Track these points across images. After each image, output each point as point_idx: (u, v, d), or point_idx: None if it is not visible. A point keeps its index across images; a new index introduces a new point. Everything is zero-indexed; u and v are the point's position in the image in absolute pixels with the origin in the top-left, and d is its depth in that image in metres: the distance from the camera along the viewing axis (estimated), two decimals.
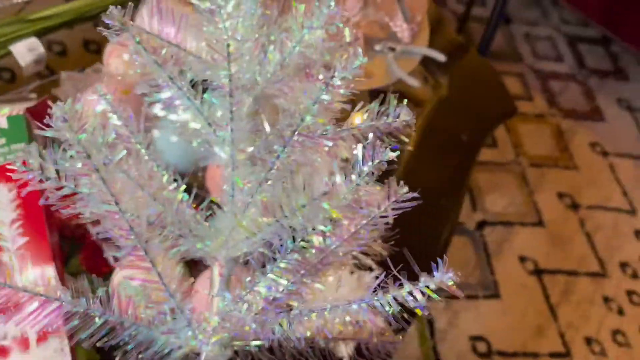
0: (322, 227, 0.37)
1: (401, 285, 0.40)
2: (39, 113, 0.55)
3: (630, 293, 1.47)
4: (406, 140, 0.38)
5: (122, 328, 0.41)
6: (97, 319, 0.40)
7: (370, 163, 0.36)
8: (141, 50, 0.38)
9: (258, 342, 0.45)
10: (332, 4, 0.36)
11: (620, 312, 1.43)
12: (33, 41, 0.66)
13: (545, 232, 1.53)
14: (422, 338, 1.27)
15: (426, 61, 0.86)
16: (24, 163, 0.37)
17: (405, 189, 0.38)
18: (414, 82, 0.81)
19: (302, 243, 0.37)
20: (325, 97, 0.35)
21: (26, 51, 0.65)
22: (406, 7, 0.86)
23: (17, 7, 0.74)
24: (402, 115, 0.37)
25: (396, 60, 0.82)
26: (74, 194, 0.38)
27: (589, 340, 1.36)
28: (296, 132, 0.36)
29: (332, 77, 0.35)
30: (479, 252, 1.45)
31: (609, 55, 2.05)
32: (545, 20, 2.09)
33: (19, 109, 0.53)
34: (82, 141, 0.36)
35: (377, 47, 0.83)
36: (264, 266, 0.40)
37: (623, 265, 1.52)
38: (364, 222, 0.40)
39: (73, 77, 0.58)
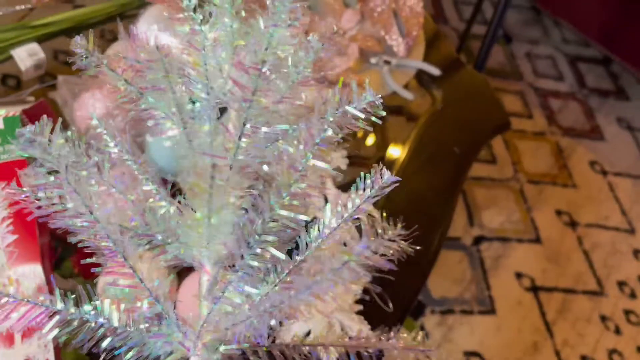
0: (283, 212, 0.37)
1: None
2: (34, 115, 0.56)
3: (627, 312, 1.46)
4: (379, 122, 0.37)
5: (113, 333, 0.41)
6: (91, 325, 0.40)
7: (310, 142, 0.36)
8: (108, 72, 0.40)
9: (245, 345, 0.45)
10: None
11: (618, 331, 1.42)
12: (33, 46, 0.68)
13: (542, 249, 1.53)
14: None
15: (421, 75, 0.87)
16: (18, 184, 0.38)
17: (388, 173, 0.38)
18: (408, 95, 0.82)
19: (270, 237, 0.37)
20: (260, 83, 0.35)
21: (26, 56, 0.67)
22: (402, 22, 0.87)
23: (21, 14, 0.76)
24: (368, 96, 0.36)
25: (391, 73, 0.84)
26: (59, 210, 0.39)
27: (584, 359, 1.36)
28: (245, 124, 0.36)
29: (262, 63, 0.35)
30: (475, 268, 1.44)
31: (609, 75, 2.06)
32: (546, 39, 2.11)
33: (15, 110, 0.55)
34: (51, 159, 0.37)
35: (373, 60, 0.85)
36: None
37: (621, 284, 1.51)
38: (346, 214, 0.39)
39: (70, 81, 0.60)
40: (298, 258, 0.38)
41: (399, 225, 0.43)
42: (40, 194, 0.37)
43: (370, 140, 0.81)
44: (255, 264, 0.37)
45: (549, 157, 1.75)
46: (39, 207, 0.38)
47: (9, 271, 0.46)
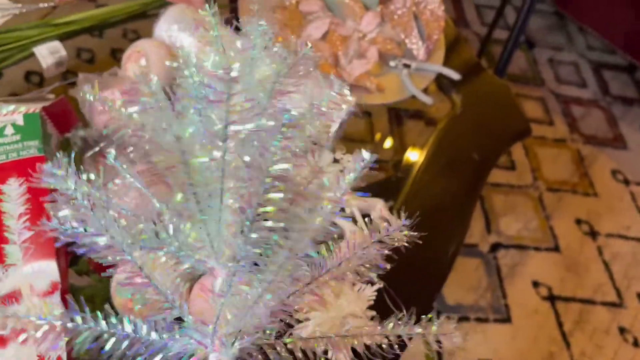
0: (271, 195, 0.38)
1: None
2: (54, 112, 0.57)
3: None
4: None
5: (137, 342, 0.42)
6: (105, 336, 0.40)
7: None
8: (114, 110, 0.42)
9: (260, 340, 0.45)
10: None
11: (636, 344, 1.39)
12: (55, 44, 0.68)
13: (560, 258, 1.51)
14: (429, 359, 1.25)
15: (440, 79, 0.86)
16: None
17: (402, 219, 0.40)
18: (427, 99, 0.81)
19: (265, 223, 0.38)
20: (233, 87, 0.37)
21: (48, 53, 0.68)
22: (422, 25, 0.87)
23: (44, 12, 0.77)
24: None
25: (410, 76, 0.83)
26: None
27: None
28: (226, 127, 0.37)
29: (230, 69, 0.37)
30: (491, 275, 1.43)
31: (634, 83, 2.02)
32: (570, 45, 2.08)
33: (35, 107, 0.55)
34: (70, 188, 0.39)
35: (392, 63, 0.84)
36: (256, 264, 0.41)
37: None
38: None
39: (90, 79, 0.60)
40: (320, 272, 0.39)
41: (403, 215, 0.45)
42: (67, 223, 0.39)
43: (388, 143, 0.81)
44: (251, 249, 0.38)
45: (570, 165, 1.73)
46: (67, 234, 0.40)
47: (24, 267, 0.47)
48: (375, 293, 0.59)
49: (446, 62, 0.87)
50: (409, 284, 0.64)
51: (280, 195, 0.38)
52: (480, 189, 0.78)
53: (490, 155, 0.82)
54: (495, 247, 1.48)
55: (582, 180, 1.69)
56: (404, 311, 0.60)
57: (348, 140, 0.74)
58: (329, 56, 0.81)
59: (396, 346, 0.49)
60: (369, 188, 0.71)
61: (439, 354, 1.26)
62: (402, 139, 0.81)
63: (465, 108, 0.85)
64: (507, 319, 1.36)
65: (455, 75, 0.84)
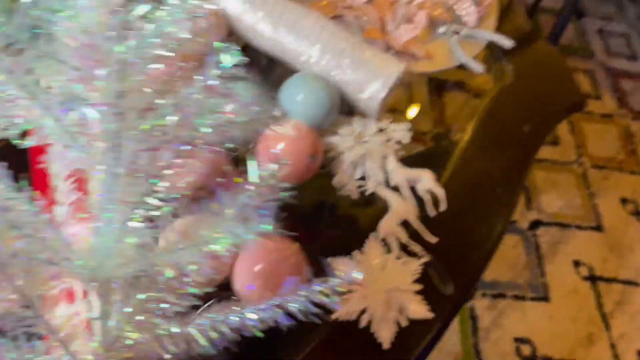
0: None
1: None
2: None
3: None
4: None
5: None
6: None
7: None
8: None
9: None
10: None
11: None
12: None
13: (603, 238, 1.46)
14: (464, 335, 1.24)
15: (491, 47, 0.82)
16: None
17: None
18: (477, 68, 0.78)
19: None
20: None
21: None
22: None
23: None
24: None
25: (460, 44, 0.79)
26: None
27: None
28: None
29: None
30: (530, 252, 1.39)
31: None
32: (621, 16, 1.98)
33: None
34: None
35: (441, 30, 0.80)
36: None
37: None
38: None
39: None
40: None
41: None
42: None
43: (432, 115, 0.78)
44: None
45: (617, 142, 1.66)
46: None
47: (72, 228, 0.46)
48: (421, 266, 0.58)
49: (497, 29, 0.83)
50: (454, 261, 0.62)
51: None
52: (530, 164, 0.75)
53: (541, 128, 0.78)
54: (535, 224, 1.44)
55: (629, 158, 1.63)
56: (452, 286, 0.58)
57: (393, 110, 0.71)
58: (376, 21, 0.78)
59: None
60: (416, 159, 0.69)
61: (475, 331, 1.25)
62: (447, 110, 0.78)
63: (516, 78, 0.81)
64: (545, 298, 1.33)
65: (507, 43, 0.80)
